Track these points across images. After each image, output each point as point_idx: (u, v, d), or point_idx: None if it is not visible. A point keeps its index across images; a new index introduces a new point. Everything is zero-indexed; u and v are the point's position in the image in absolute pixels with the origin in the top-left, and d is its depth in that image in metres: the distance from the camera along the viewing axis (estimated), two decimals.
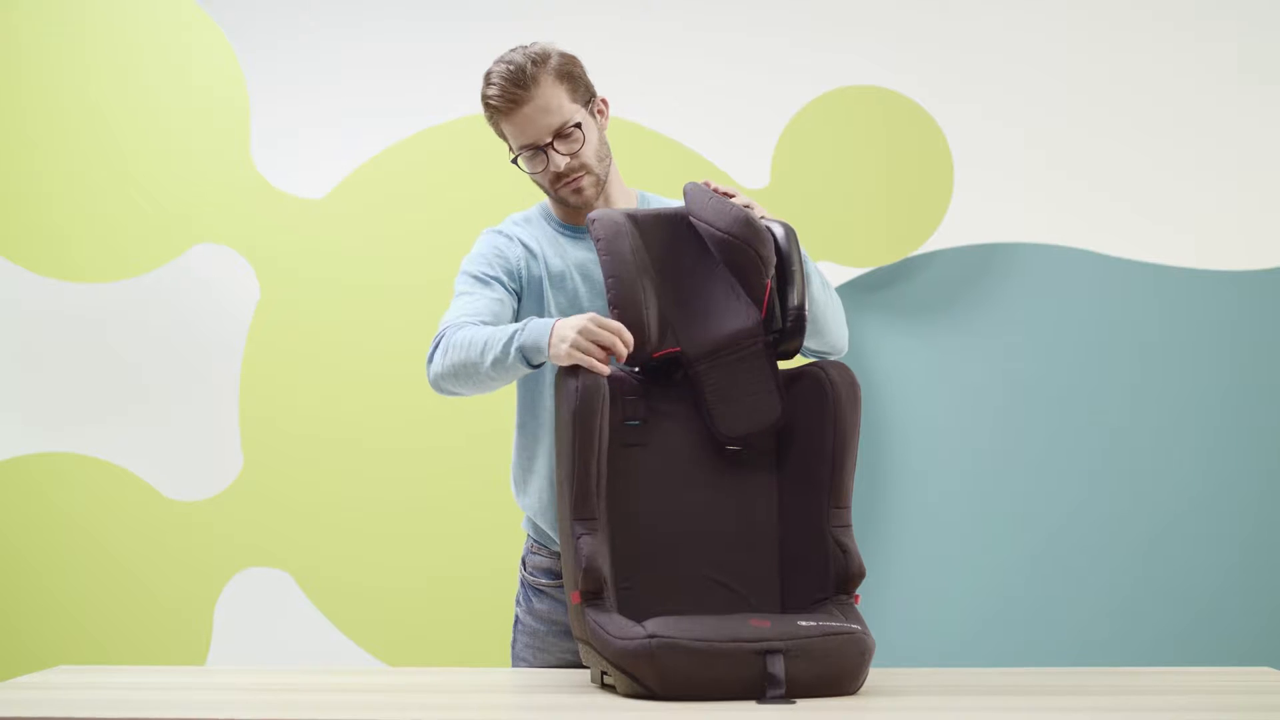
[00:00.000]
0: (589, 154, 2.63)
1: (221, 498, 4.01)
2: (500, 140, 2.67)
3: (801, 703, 2.08)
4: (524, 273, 2.66)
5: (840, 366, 2.42)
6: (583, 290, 2.63)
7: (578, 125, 2.60)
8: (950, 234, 3.92)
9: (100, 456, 4.02)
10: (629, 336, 2.34)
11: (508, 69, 2.58)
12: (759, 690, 2.10)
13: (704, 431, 2.41)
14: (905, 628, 3.91)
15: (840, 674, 2.17)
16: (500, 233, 2.73)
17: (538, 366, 2.43)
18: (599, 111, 2.68)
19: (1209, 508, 3.86)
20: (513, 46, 2.65)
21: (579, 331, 2.32)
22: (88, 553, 4.01)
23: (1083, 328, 3.92)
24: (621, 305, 2.37)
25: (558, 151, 2.59)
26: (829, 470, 2.36)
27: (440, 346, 2.52)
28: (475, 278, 2.64)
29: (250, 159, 4.04)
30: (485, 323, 2.53)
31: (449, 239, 4.01)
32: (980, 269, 3.92)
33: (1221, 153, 3.93)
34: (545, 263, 2.66)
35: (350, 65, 4.05)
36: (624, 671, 2.12)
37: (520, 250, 2.68)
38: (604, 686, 2.23)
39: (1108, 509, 3.88)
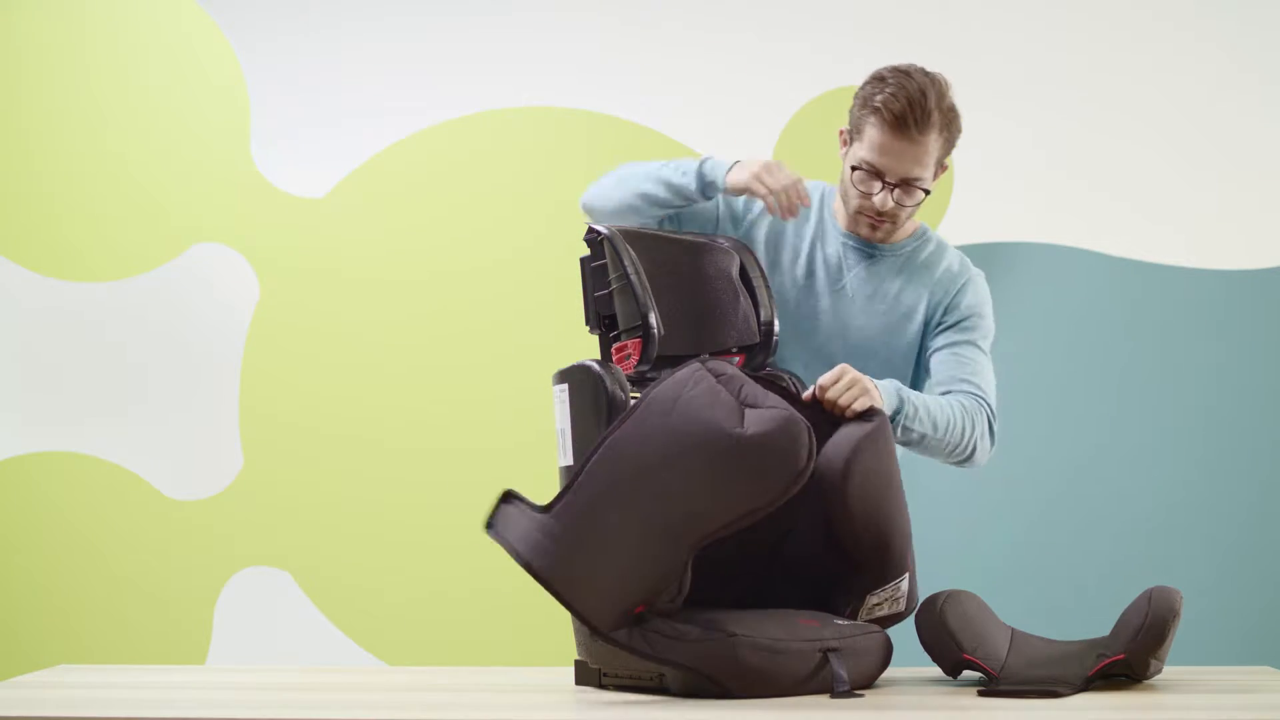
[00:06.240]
0: (911, 212, 2.61)
1: (221, 497, 4.01)
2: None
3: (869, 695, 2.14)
4: (750, 219, 2.67)
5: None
6: (793, 277, 2.64)
7: (927, 191, 2.56)
8: (950, 233, 3.91)
9: (100, 456, 4.03)
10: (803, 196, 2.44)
11: (918, 93, 2.50)
12: (818, 687, 2.13)
13: None
14: (900, 626, 3.90)
15: (871, 669, 2.22)
16: None
17: (708, 197, 2.52)
18: (938, 173, 2.61)
19: (1207, 506, 3.87)
20: (916, 66, 2.55)
21: (764, 166, 2.38)
22: (88, 553, 4.01)
23: (1081, 326, 3.92)
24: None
25: (893, 196, 2.55)
26: None
27: (616, 171, 2.63)
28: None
29: (250, 159, 4.04)
30: None
31: (449, 238, 4.03)
32: (980, 268, 3.92)
33: (1220, 153, 3.93)
34: (789, 231, 2.67)
35: (350, 65, 4.05)
36: (697, 671, 2.11)
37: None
38: (602, 686, 2.23)
39: (1105, 507, 3.88)
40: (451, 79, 4.03)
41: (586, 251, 2.43)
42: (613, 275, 2.38)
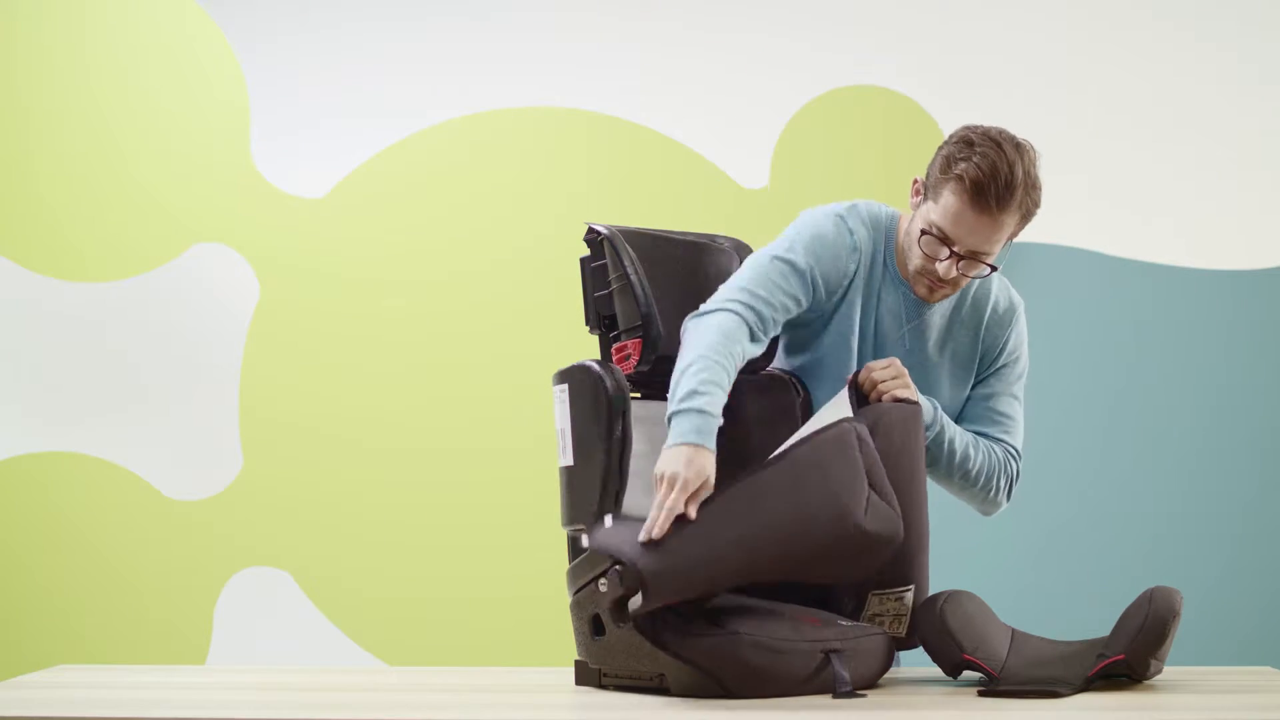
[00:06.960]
0: (970, 283, 2.49)
1: (221, 497, 4.01)
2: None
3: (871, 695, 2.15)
4: (840, 284, 2.46)
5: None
6: (862, 330, 2.50)
7: (994, 267, 2.43)
8: None
9: (100, 456, 4.03)
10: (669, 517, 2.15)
11: (1005, 168, 2.34)
12: (819, 687, 2.14)
13: None
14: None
15: (873, 671, 2.22)
16: (849, 230, 2.47)
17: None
18: (1007, 243, 2.47)
19: (1208, 506, 3.87)
20: (1007, 134, 2.39)
21: (682, 484, 2.14)
22: (88, 553, 4.01)
23: (1082, 327, 3.92)
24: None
25: (957, 266, 2.39)
26: None
27: (714, 322, 2.32)
28: (791, 264, 2.41)
29: (250, 159, 4.04)
30: (753, 326, 2.36)
31: (449, 238, 4.03)
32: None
33: (1220, 153, 3.93)
34: (865, 279, 2.49)
35: (350, 65, 4.06)
36: (698, 666, 2.12)
37: (854, 263, 2.46)
38: (602, 686, 2.23)
39: (1106, 508, 3.88)
40: (451, 79, 4.03)
41: (586, 252, 2.43)
42: (613, 275, 2.38)
